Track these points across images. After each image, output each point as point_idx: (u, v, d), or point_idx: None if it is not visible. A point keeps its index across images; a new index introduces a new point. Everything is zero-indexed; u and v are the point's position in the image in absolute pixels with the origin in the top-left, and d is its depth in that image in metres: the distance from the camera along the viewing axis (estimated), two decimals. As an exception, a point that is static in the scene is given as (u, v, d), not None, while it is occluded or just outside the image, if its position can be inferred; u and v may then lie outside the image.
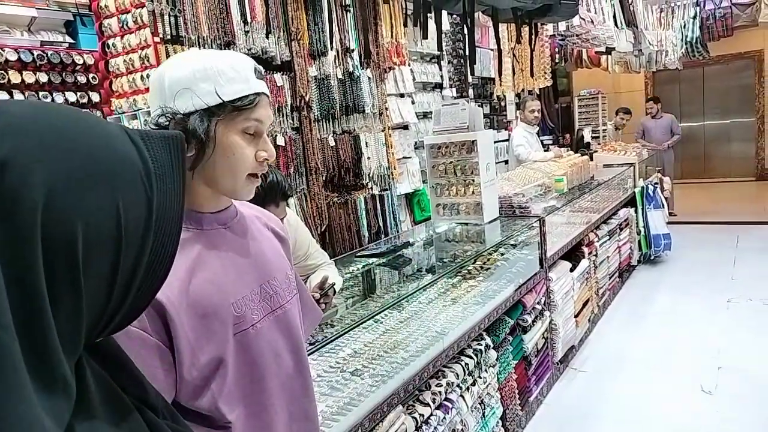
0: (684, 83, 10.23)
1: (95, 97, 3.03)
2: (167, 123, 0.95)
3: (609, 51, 6.62)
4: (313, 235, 2.51)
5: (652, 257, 5.77)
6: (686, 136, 8.34)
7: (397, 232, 4.17)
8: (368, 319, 2.16)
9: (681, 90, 10.38)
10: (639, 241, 5.62)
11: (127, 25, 2.91)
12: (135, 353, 0.88)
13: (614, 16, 5.85)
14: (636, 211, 5.61)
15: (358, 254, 3.12)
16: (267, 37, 3.23)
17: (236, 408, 0.98)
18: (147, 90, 2.91)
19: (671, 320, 4.29)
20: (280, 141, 3.37)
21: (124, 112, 3.04)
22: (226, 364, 0.96)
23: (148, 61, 2.87)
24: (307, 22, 3.51)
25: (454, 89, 4.99)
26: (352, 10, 3.83)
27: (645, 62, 7.73)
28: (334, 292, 2.11)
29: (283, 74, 3.40)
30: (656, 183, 6.25)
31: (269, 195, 1.90)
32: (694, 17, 7.73)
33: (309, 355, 1.73)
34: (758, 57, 9.84)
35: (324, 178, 3.73)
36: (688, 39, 7.84)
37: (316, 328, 2.03)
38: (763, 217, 6.96)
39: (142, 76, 2.91)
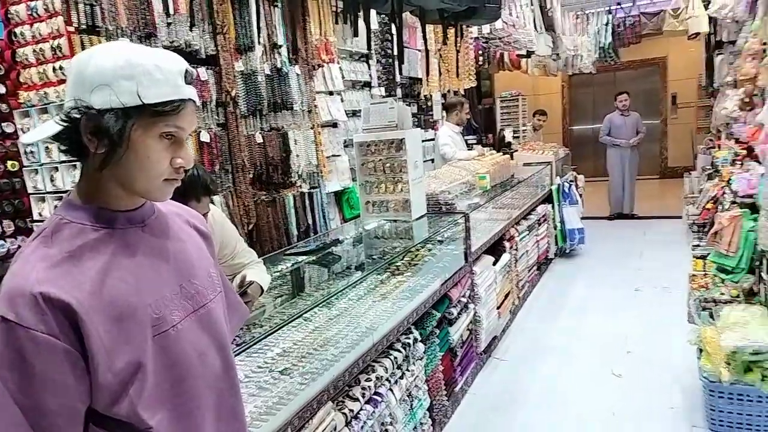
0: (597, 86, 10.84)
1: (0, 88, 2.83)
2: (79, 117, 0.90)
3: (529, 54, 6.92)
4: (240, 234, 2.48)
5: (568, 251, 6.12)
6: (597, 136, 8.85)
7: (327, 230, 4.18)
8: (297, 318, 2.16)
9: (594, 93, 11.01)
10: (556, 236, 5.94)
11: (36, 12, 2.74)
12: (43, 359, 0.84)
13: (534, 21, 6.12)
14: (553, 207, 5.91)
15: (288, 252, 3.11)
16: (191, 30, 3.14)
17: (158, 412, 0.96)
18: (59, 82, 2.75)
19: (585, 309, 4.58)
20: (205, 137, 3.28)
21: (33, 105, 2.85)
22: (145, 368, 0.93)
23: (60, 51, 2.71)
24: (233, 15, 3.44)
25: (382, 88, 5.05)
26: (279, 5, 3.78)
27: (562, 66, 8.12)
28: (262, 291, 2.09)
29: (208, 68, 3.32)
30: (572, 180, 6.61)
31: (190, 190, 1.85)
32: (607, 24, 8.22)
33: (236, 356, 1.72)
34: (662, 63, 10.60)
35: (251, 176, 3.67)
36: (601, 44, 8.33)
37: (243, 329, 2.01)
38: (666, 212, 7.51)
39: (54, 68, 2.75)
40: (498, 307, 3.97)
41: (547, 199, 5.94)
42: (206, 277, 1.10)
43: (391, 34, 5.04)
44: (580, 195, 6.64)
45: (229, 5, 3.40)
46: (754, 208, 3.89)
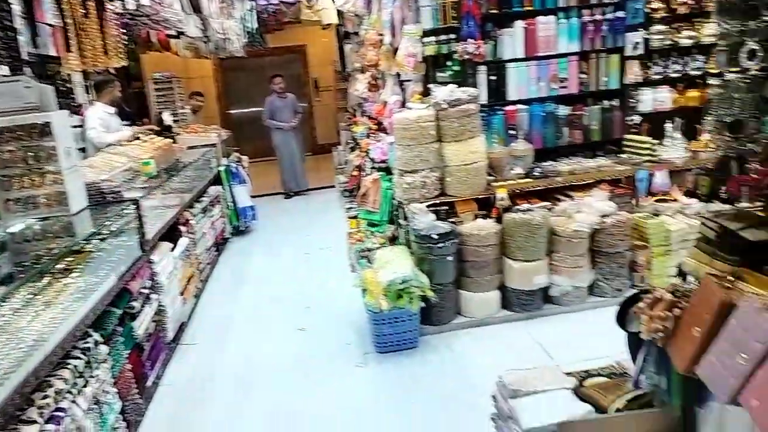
0: (249, 71, 11.26)
1: None
2: None
3: (179, 35, 6.73)
4: None
5: (242, 228, 6.34)
6: (254, 118, 9.24)
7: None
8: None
9: (247, 77, 11.41)
10: (229, 215, 6.08)
11: None
12: None
13: (181, 1, 5.97)
14: (223, 188, 6.01)
15: None
16: None
17: None
18: None
19: (265, 278, 4.88)
20: None
21: None
22: None
23: None
24: None
25: (5, 67, 4.21)
26: None
27: (213, 48, 8.14)
28: None
29: None
30: (238, 161, 6.81)
31: None
32: (251, 10, 8.57)
33: None
34: (303, 50, 11.67)
35: None
36: (248, 29, 8.65)
37: None
38: (323, 183, 8.43)
39: None
40: (182, 293, 3.89)
41: (217, 180, 5.99)
42: None
43: (8, 4, 4.23)
44: (247, 174, 6.91)
45: None
46: (388, 171, 4.75)
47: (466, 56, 3.75)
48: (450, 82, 3.77)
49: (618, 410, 1.67)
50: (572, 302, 3.69)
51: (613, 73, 4.06)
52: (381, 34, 4.83)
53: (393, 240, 4.24)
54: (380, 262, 3.46)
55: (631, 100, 4.13)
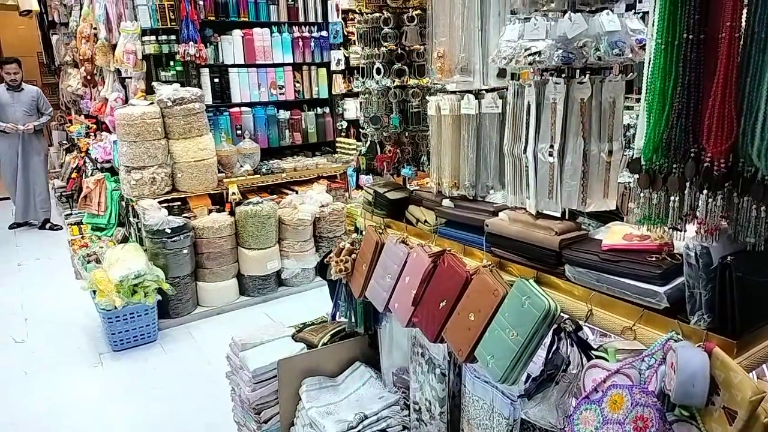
0: None
1: None
2: None
3: None
4: None
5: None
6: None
7: None
8: None
9: None
10: None
11: None
12: None
13: None
14: None
15: None
16: None
17: None
18: None
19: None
20: None
21: None
22: None
23: None
24: None
25: None
26: None
27: None
28: None
29: None
30: None
31: None
32: None
33: None
34: (-5, 38, 10.04)
35: None
36: None
37: None
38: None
39: None
40: None
41: None
42: None
43: None
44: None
45: None
46: (113, 172, 4.59)
47: (188, 58, 3.92)
48: (174, 82, 3.90)
49: (324, 344, 2.14)
50: (302, 282, 4.19)
51: (323, 84, 4.72)
52: (95, 28, 4.64)
53: (124, 242, 4.16)
54: (110, 261, 3.41)
55: (338, 108, 4.85)
